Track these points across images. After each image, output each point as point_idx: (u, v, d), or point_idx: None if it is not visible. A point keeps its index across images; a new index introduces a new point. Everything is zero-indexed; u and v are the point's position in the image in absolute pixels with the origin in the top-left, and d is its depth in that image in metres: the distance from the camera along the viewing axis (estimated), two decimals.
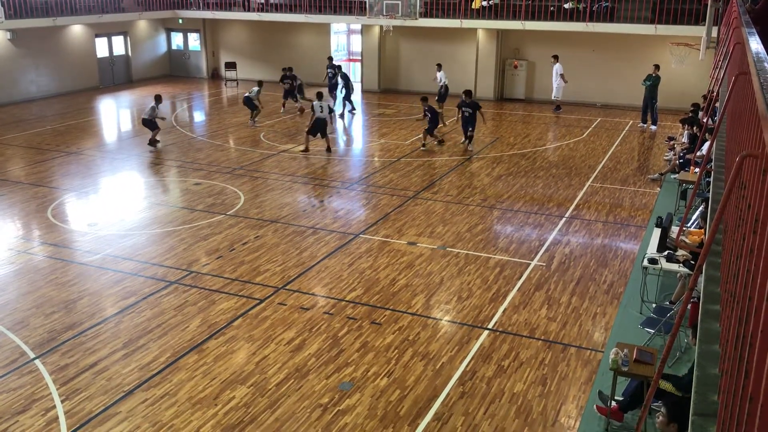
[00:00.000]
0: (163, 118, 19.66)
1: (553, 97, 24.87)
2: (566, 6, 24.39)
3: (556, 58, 24.47)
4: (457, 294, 10.51)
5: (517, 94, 27.16)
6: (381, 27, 27.98)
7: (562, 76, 24.26)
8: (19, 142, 20.16)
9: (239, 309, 9.97)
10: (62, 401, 7.74)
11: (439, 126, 19.71)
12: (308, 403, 7.76)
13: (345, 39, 31.74)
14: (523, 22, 24.75)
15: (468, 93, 18.82)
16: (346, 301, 10.25)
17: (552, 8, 24.67)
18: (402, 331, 9.33)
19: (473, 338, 9.20)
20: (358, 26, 29.60)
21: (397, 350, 8.87)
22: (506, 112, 25.15)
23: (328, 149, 18.97)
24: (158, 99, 19.34)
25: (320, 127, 18.62)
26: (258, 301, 10.21)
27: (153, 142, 19.37)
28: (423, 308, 10.06)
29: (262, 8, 29.30)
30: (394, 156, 18.60)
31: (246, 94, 22.62)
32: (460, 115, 19.10)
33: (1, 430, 7.26)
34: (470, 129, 18.91)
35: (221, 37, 32.35)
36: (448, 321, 9.73)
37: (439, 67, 24.83)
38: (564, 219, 13.81)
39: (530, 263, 11.66)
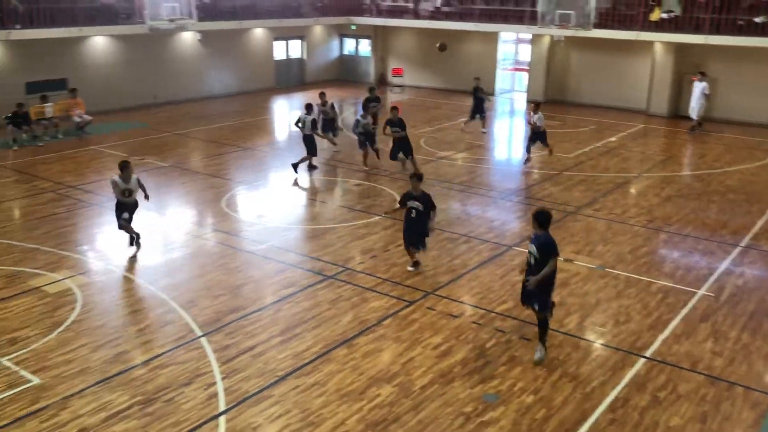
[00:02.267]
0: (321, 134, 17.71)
1: (693, 116, 23.03)
2: (757, 20, 22.59)
3: (702, 75, 22.72)
4: (614, 317, 10.05)
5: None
6: (551, 37, 27.40)
7: (707, 95, 22.50)
8: (201, 135, 21.81)
9: (389, 309, 10.15)
10: (222, 379, 8.27)
11: None
12: (451, 410, 7.74)
13: (513, 48, 31.41)
14: (706, 36, 23.23)
15: None
16: (496, 312, 10.12)
17: (741, 22, 22.95)
18: (552, 350, 9.06)
19: (628, 365, 8.75)
20: (527, 35, 29.19)
21: (545, 368, 8.63)
22: (680, 130, 23.71)
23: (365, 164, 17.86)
24: (309, 108, 17.64)
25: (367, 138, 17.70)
26: (407, 303, 10.34)
27: (311, 167, 17.57)
28: (576, 328, 9.71)
29: (432, 16, 29.70)
30: (556, 169, 18.12)
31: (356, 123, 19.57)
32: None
33: (167, 398, 7.88)
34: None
35: (391, 43, 33.16)
36: (602, 344, 9.32)
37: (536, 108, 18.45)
38: (739, 248, 12.78)
39: (697, 292, 10.89)
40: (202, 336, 9.29)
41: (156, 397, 7.90)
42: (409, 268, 11.46)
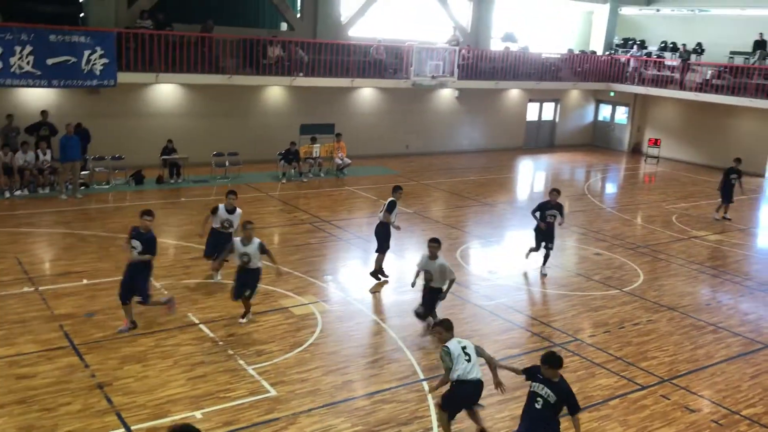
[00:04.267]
0: (397, 227, 13.52)
1: None
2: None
3: None
4: None
5: None
6: None
7: None
8: (445, 187, 22.59)
9: (618, 389, 9.58)
10: (439, 426, 8.37)
11: None
12: None
13: None
14: None
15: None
16: (742, 416, 9.08)
17: None
18: None
19: None
20: None
21: None
22: None
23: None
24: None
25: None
26: (639, 387, 9.68)
27: (378, 273, 13.32)
28: None
29: (700, 88, 28.02)
30: None
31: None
32: None
33: None
34: None
35: (650, 112, 31.81)
36: None
37: None
38: None
39: None
40: (425, 380, 9.50)
41: (376, 429, 8.21)
42: None
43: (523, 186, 25.37)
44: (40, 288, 11.83)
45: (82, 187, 18.97)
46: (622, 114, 32.73)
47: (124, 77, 19.71)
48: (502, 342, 10.92)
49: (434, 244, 10.82)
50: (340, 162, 23.18)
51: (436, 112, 28.47)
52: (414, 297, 12.58)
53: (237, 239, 10.84)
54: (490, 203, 20.58)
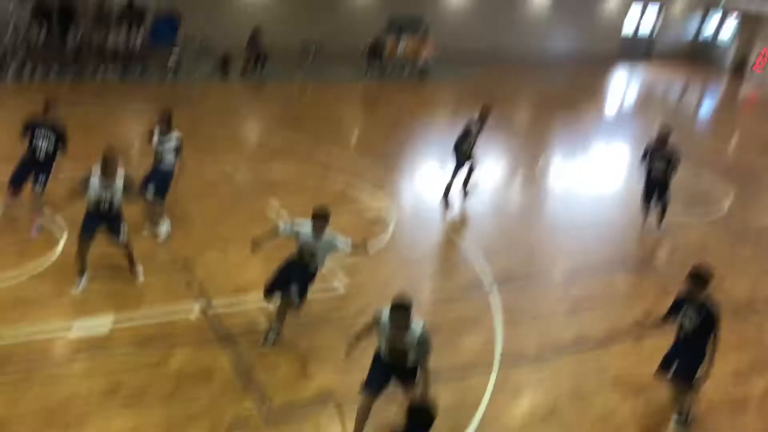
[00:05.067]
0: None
1: None
2: None
3: None
4: None
5: None
6: None
7: None
8: (533, 95, 21.88)
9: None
10: (503, 332, 8.48)
11: None
12: None
13: None
14: None
15: None
16: None
17: None
18: None
19: None
20: None
21: None
22: None
23: None
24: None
25: None
26: None
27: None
28: None
29: None
30: None
31: None
32: None
33: (451, 335, 8.30)
34: None
35: (761, 30, 29.54)
36: None
37: None
38: None
39: None
40: (493, 288, 9.55)
41: (440, 330, 8.35)
42: None
43: (614, 99, 24.34)
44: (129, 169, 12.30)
45: (171, 72, 19.35)
46: (728, 30, 30.54)
47: None
48: (577, 257, 10.80)
49: (321, 219, 7.21)
50: (423, 61, 22.68)
51: (531, 14, 27.26)
52: (486, 200, 12.49)
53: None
54: (577, 114, 19.91)
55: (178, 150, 9.71)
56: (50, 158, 9.51)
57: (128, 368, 7.08)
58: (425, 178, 13.75)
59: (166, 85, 18.38)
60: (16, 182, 9.56)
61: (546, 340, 8.43)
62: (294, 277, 7.41)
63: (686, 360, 6.74)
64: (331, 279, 9.24)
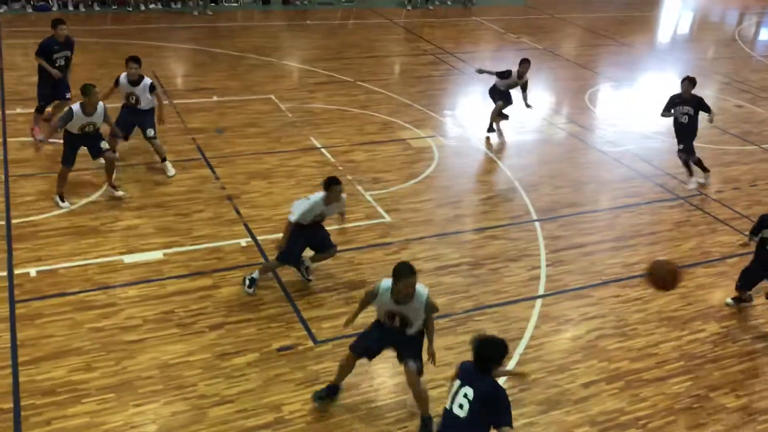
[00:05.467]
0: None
1: None
2: None
3: None
4: None
5: None
6: None
7: None
8: (582, 23, 21.20)
9: (739, 248, 9.24)
10: (547, 265, 8.48)
11: None
12: None
13: None
14: None
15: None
16: None
17: None
18: None
19: None
20: None
21: None
22: None
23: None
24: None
25: None
26: None
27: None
28: None
29: None
30: None
31: None
32: None
33: (493, 267, 8.35)
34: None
35: None
36: None
37: None
38: None
39: None
40: (537, 221, 9.51)
41: (483, 263, 8.43)
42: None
43: (668, 26, 23.38)
44: (174, 102, 12.43)
45: (213, 4, 19.22)
46: None
47: None
48: (623, 189, 10.64)
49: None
50: None
51: None
52: (531, 138, 12.31)
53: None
54: (628, 44, 19.23)
55: (153, 89, 9.68)
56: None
57: (180, 295, 7.32)
58: (468, 110, 13.54)
59: (207, 17, 18.28)
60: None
61: (591, 272, 8.41)
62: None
63: None
64: (379, 209, 9.31)
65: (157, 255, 7.94)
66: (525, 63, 11.80)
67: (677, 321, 7.64)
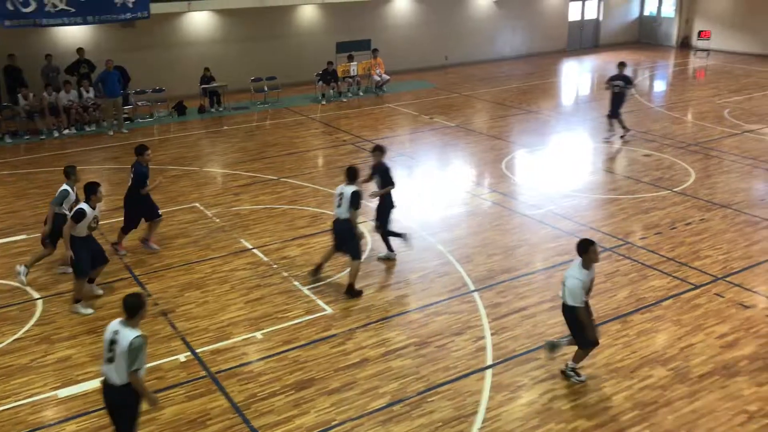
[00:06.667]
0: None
1: None
2: None
3: None
4: None
5: None
6: None
7: None
8: (488, 97, 22.16)
9: (671, 290, 9.56)
10: (492, 334, 8.53)
11: None
12: (732, 405, 7.14)
13: None
14: None
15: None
16: None
17: None
18: None
19: None
20: None
21: None
22: None
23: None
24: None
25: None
26: (692, 287, 9.63)
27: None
28: None
29: None
30: None
31: None
32: None
33: (440, 344, 8.35)
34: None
35: (699, 2, 30.23)
36: None
37: None
38: None
39: None
40: (475, 291, 9.63)
41: (429, 341, 8.42)
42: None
43: (568, 90, 24.71)
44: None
45: (127, 122, 19.25)
46: (669, 7, 31.24)
47: (156, 8, 19.52)
48: (551, 249, 10.93)
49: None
50: (378, 79, 22.85)
51: (475, 20, 27.61)
52: (458, 212, 12.59)
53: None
54: (534, 111, 20.17)
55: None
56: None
57: None
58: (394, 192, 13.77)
59: (123, 135, 18.26)
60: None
61: (535, 334, 8.50)
62: None
63: None
64: (319, 302, 9.25)
65: (94, 384, 7.60)
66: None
67: (625, 370, 7.76)
